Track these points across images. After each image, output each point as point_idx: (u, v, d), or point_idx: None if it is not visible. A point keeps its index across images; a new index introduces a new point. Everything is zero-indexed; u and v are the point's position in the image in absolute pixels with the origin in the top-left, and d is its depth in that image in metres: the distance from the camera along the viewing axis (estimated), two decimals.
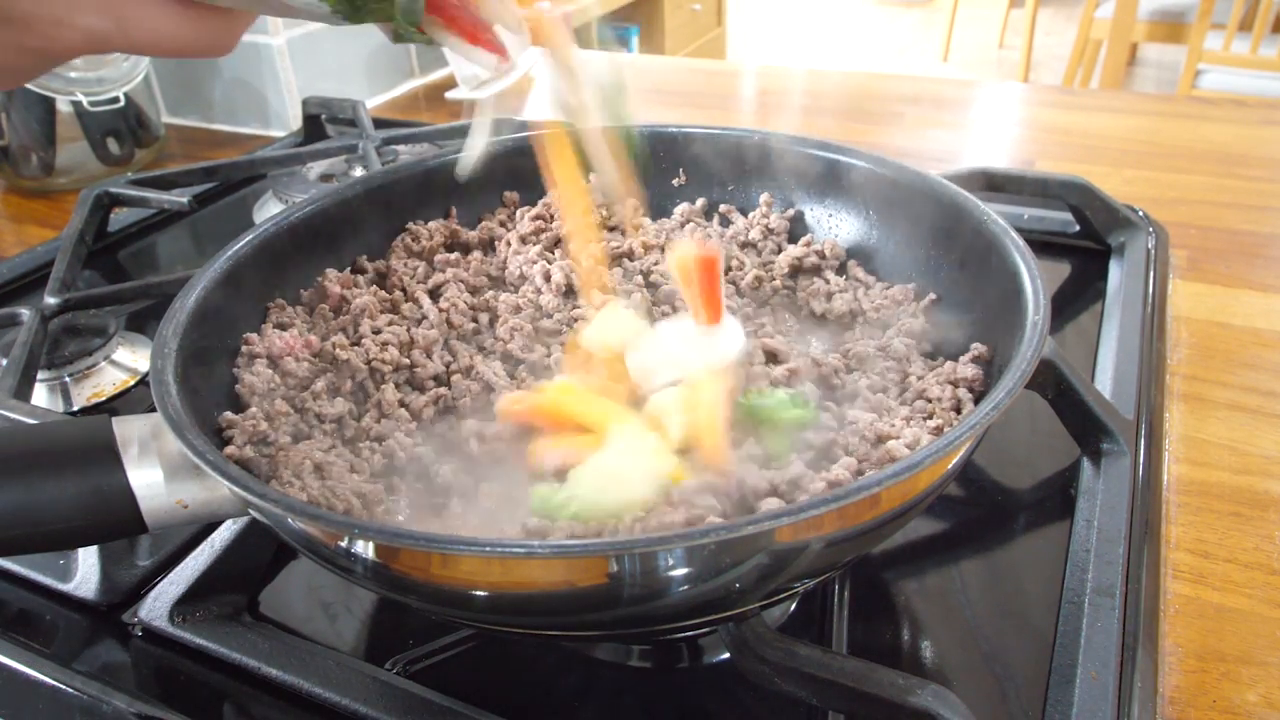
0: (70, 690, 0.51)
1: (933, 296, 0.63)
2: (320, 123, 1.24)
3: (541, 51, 0.49)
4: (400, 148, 1.10)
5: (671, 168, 0.75)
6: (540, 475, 0.50)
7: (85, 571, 0.57)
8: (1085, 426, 0.64)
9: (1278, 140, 1.16)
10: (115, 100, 1.16)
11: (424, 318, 0.66)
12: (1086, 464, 0.63)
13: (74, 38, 0.36)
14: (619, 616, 0.43)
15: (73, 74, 1.11)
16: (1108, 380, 0.71)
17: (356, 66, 1.39)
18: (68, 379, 0.77)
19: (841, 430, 0.53)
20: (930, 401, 0.53)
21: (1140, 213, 0.93)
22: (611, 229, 0.73)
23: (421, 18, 0.43)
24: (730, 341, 0.54)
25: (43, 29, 0.35)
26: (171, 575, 0.56)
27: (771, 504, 0.45)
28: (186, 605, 0.54)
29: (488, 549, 0.37)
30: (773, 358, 0.59)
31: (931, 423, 0.52)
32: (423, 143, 1.10)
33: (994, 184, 0.88)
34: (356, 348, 0.61)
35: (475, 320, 0.66)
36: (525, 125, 0.74)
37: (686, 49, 4.20)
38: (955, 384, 0.54)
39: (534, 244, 0.71)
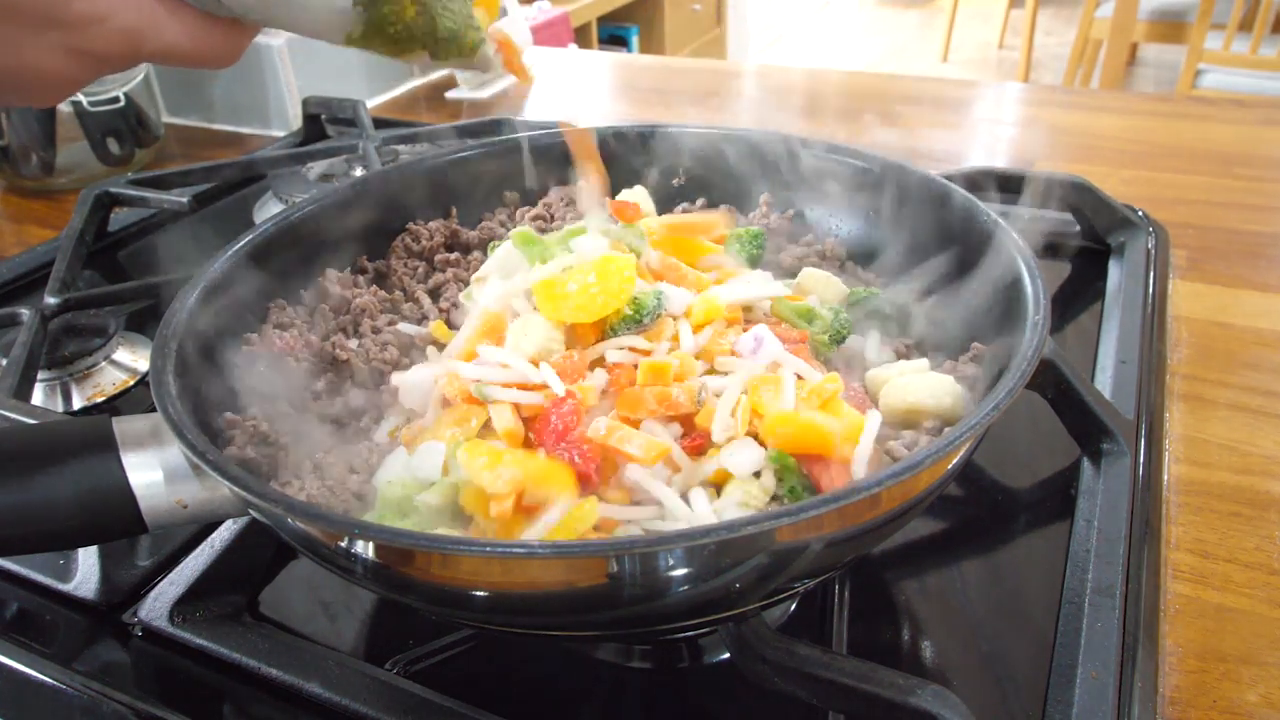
0: (70, 690, 0.51)
1: (933, 296, 0.63)
2: (320, 123, 1.24)
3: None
4: (400, 148, 1.10)
5: (671, 168, 0.75)
6: None
7: (85, 571, 0.57)
8: (1085, 426, 0.64)
9: (1278, 140, 1.16)
10: (115, 100, 1.16)
11: (424, 318, 0.66)
12: (1086, 464, 0.63)
13: (116, 38, 0.39)
14: (619, 616, 0.43)
15: None
16: (1108, 380, 0.71)
17: (356, 66, 1.39)
18: (68, 379, 0.77)
19: None
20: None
21: (1140, 213, 0.93)
22: None
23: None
24: None
25: (90, 29, 0.38)
26: (171, 575, 0.56)
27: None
28: (186, 605, 0.54)
29: (488, 549, 0.37)
30: None
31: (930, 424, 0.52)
32: (423, 143, 1.10)
33: (994, 184, 0.88)
34: (357, 348, 0.61)
35: None
36: (524, 125, 0.74)
37: (686, 49, 4.20)
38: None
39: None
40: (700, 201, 0.75)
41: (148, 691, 0.51)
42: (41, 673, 0.52)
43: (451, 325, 0.65)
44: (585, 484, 0.47)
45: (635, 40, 4.03)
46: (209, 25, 0.42)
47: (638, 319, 0.53)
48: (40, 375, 0.76)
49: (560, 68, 1.59)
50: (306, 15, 0.42)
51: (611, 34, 3.98)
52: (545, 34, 2.86)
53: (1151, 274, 0.84)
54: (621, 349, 0.53)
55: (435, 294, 0.68)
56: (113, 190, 0.97)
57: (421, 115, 1.39)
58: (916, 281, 0.65)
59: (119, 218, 1.04)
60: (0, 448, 0.44)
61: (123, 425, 0.45)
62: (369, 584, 0.46)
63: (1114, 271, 0.86)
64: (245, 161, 1.07)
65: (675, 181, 0.76)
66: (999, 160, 1.16)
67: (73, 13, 0.37)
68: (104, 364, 0.79)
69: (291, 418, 0.54)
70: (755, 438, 0.50)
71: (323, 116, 1.24)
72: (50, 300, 0.80)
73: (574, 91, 1.50)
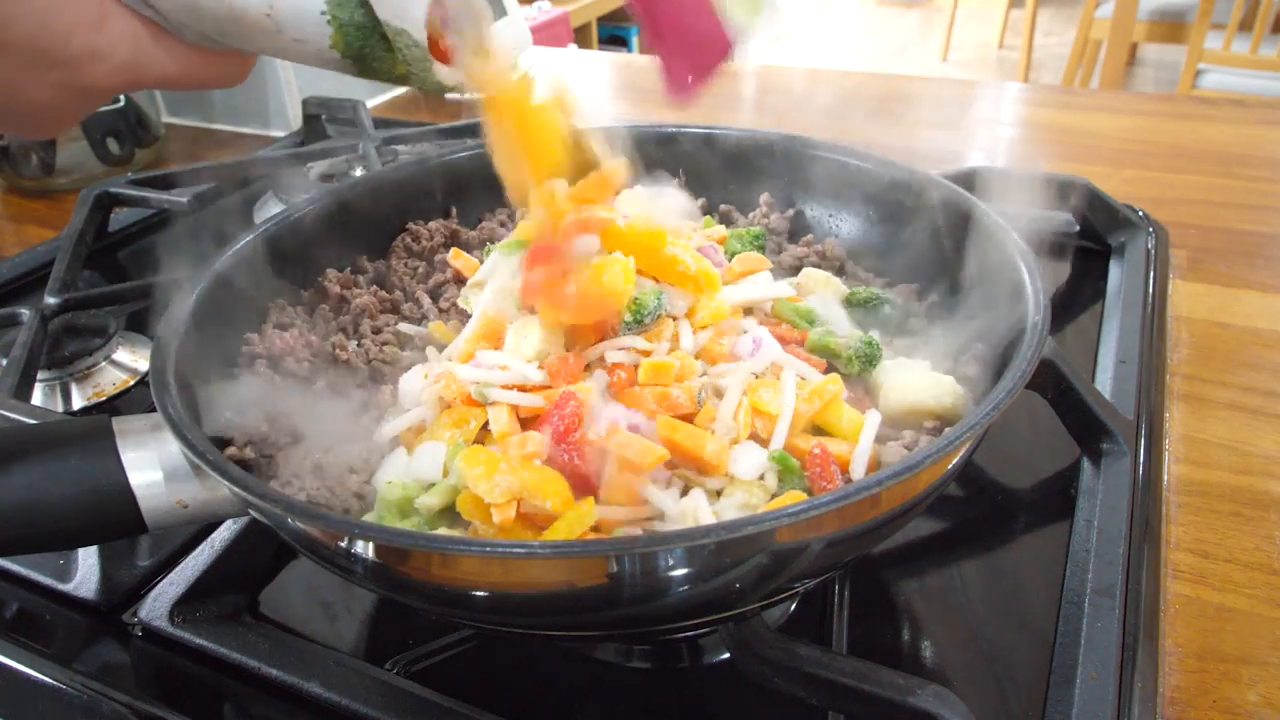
0: (70, 690, 0.51)
1: (933, 297, 0.63)
2: (320, 123, 1.24)
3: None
4: (400, 148, 1.10)
5: (671, 168, 0.75)
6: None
7: (85, 571, 0.57)
8: (1085, 426, 0.64)
9: (1278, 140, 1.16)
10: (115, 100, 1.16)
11: (424, 318, 0.66)
12: (1086, 464, 0.63)
13: (113, 74, 0.39)
14: (619, 616, 0.43)
15: None
16: (1108, 380, 0.71)
17: None
18: (68, 379, 0.77)
19: None
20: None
21: (1140, 213, 0.93)
22: None
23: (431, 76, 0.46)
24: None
25: (88, 66, 0.38)
26: (171, 575, 0.56)
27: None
28: (186, 605, 0.54)
29: (488, 549, 0.37)
30: None
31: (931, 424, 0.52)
32: (423, 143, 1.10)
33: (994, 184, 0.88)
34: (357, 348, 0.61)
35: None
36: None
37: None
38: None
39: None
40: (700, 201, 0.75)
41: (148, 691, 0.51)
42: (41, 673, 0.52)
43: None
44: (586, 485, 0.47)
45: (635, 40, 4.03)
46: (206, 56, 0.42)
47: (638, 319, 0.53)
48: (40, 375, 0.76)
49: (560, 68, 1.59)
50: (302, 56, 0.43)
51: (611, 34, 3.98)
52: (545, 34, 2.86)
53: (1151, 274, 0.84)
54: (621, 349, 0.53)
55: (435, 294, 0.68)
56: (113, 190, 0.97)
57: (421, 115, 1.39)
58: (917, 281, 0.65)
59: (119, 218, 1.04)
60: (0, 448, 0.44)
61: (123, 425, 0.45)
62: (369, 584, 0.46)
63: (1114, 271, 0.86)
64: (245, 161, 1.07)
65: (675, 181, 0.75)
66: (999, 160, 1.16)
67: (70, 51, 0.37)
68: (104, 364, 0.79)
69: (291, 418, 0.54)
70: (755, 439, 0.50)
71: (323, 116, 1.24)
72: (50, 300, 0.80)
73: (574, 91, 1.50)
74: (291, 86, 1.31)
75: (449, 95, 0.49)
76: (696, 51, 0.49)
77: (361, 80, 0.46)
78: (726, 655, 0.53)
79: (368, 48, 0.43)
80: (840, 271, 0.69)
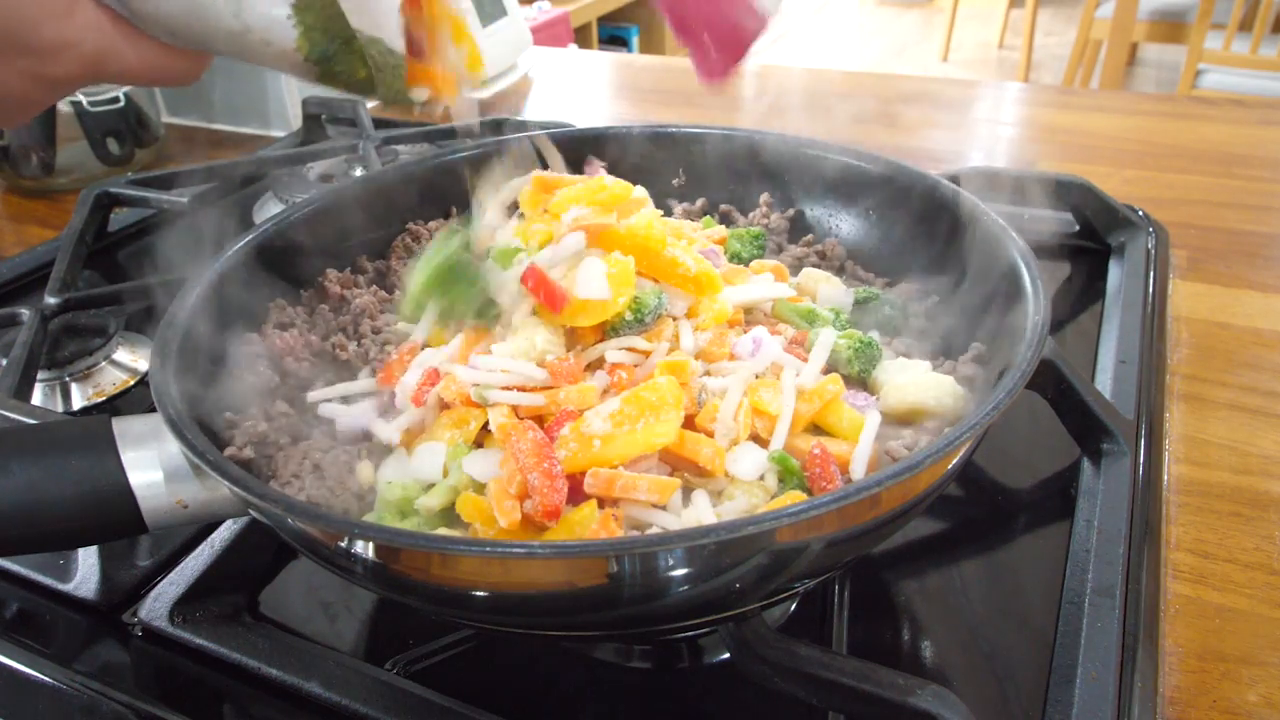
0: (70, 690, 0.51)
1: (934, 297, 0.63)
2: (320, 123, 1.24)
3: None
4: (400, 148, 1.10)
5: (671, 168, 0.75)
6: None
7: (85, 571, 0.57)
8: (1085, 426, 0.64)
9: (1278, 140, 1.16)
10: (115, 100, 1.16)
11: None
12: (1087, 464, 0.63)
13: (80, 64, 0.40)
14: (619, 617, 0.43)
15: None
16: (1108, 380, 0.71)
17: None
18: (68, 379, 0.77)
19: None
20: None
21: (1140, 213, 0.93)
22: None
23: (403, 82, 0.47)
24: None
25: (57, 55, 0.39)
26: (171, 575, 0.56)
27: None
28: (186, 605, 0.54)
29: (488, 549, 0.37)
30: None
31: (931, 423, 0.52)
32: (423, 143, 1.10)
33: (994, 184, 0.88)
34: (357, 348, 0.61)
35: None
36: (524, 126, 0.74)
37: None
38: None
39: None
40: (700, 201, 0.75)
41: (148, 691, 0.51)
42: (41, 673, 0.52)
43: None
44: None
45: (635, 40, 4.03)
46: (167, 51, 0.43)
47: (639, 319, 0.53)
48: (40, 375, 0.76)
49: (560, 68, 1.59)
50: (266, 58, 0.43)
51: (611, 34, 3.98)
52: (545, 34, 2.86)
53: (1151, 274, 0.84)
54: (621, 349, 0.53)
55: None
56: (113, 190, 0.97)
57: (421, 115, 1.38)
58: (916, 281, 0.65)
59: (119, 218, 1.04)
60: (0, 448, 0.44)
61: (123, 425, 0.45)
62: (369, 584, 0.46)
63: (1114, 271, 0.86)
64: (245, 161, 1.07)
65: (675, 181, 0.76)
66: (999, 160, 1.16)
67: (40, 40, 0.38)
68: (104, 364, 0.79)
69: (291, 418, 0.54)
70: (755, 439, 0.50)
71: (323, 116, 1.24)
72: (50, 300, 0.80)
73: (574, 91, 1.50)
74: (291, 86, 1.31)
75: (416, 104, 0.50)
76: (727, 35, 0.50)
77: None
78: (726, 655, 0.53)
79: (331, 50, 0.43)
80: (840, 271, 0.69)
